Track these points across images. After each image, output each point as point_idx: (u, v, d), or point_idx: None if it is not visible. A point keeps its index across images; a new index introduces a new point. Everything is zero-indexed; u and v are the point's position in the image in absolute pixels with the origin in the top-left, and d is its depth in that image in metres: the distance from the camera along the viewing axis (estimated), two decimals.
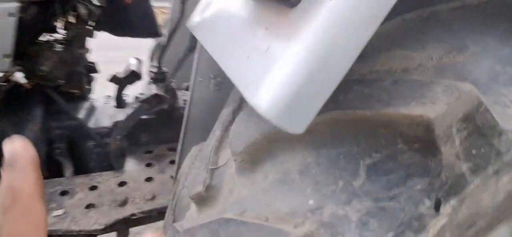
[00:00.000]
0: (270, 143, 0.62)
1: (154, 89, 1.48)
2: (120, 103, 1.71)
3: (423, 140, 0.48)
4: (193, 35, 1.47)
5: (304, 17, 0.37)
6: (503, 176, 0.53)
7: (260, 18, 0.46)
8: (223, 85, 1.10)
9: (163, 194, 1.36)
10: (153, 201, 1.31)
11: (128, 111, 1.62)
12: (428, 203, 0.52)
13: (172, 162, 1.58)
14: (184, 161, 1.02)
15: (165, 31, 1.70)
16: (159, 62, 1.72)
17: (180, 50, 1.67)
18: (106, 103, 1.77)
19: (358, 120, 0.51)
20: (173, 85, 1.79)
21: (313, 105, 0.37)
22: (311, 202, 0.55)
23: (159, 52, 1.74)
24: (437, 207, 0.52)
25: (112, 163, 1.44)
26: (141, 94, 1.83)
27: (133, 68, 1.71)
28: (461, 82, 0.45)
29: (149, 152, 1.62)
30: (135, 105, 1.65)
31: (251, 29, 0.47)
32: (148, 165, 1.50)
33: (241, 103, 0.81)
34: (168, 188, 1.40)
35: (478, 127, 0.48)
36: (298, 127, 0.38)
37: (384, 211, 0.52)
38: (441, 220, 0.53)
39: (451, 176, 0.51)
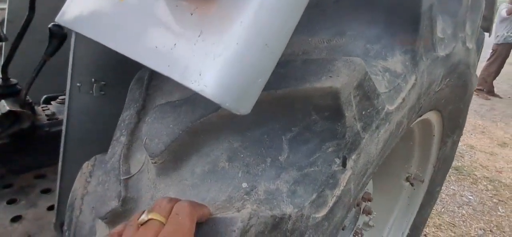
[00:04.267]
0: (193, 137, 0.60)
1: (5, 106, 1.17)
2: None
3: (331, 108, 0.57)
4: (54, 37, 1.24)
5: (237, 3, 0.38)
6: (381, 129, 0.69)
7: (179, 5, 0.44)
8: (109, 88, 0.98)
9: (41, 232, 1.10)
10: None
11: None
12: (338, 161, 0.62)
13: (45, 191, 1.30)
14: (75, 182, 0.85)
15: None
16: (4, 73, 1.38)
17: (31, 55, 1.37)
18: None
19: (278, 98, 0.56)
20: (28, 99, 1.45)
21: (257, 85, 0.39)
22: (244, 184, 0.57)
23: (2, 60, 1.39)
24: (344, 163, 0.63)
25: None
26: None
27: None
28: (353, 57, 0.56)
29: (9, 185, 1.28)
30: None
31: (170, 17, 0.44)
32: (12, 201, 1.19)
33: (144, 102, 0.75)
34: (46, 223, 1.15)
35: (366, 92, 0.61)
36: (245, 107, 0.39)
37: (307, 176, 0.59)
38: (348, 173, 0.64)
39: (351, 135, 0.62)
